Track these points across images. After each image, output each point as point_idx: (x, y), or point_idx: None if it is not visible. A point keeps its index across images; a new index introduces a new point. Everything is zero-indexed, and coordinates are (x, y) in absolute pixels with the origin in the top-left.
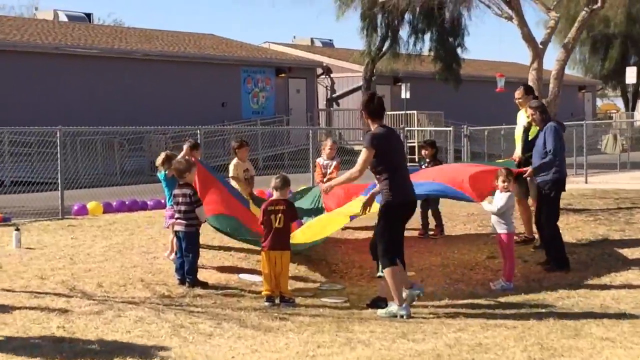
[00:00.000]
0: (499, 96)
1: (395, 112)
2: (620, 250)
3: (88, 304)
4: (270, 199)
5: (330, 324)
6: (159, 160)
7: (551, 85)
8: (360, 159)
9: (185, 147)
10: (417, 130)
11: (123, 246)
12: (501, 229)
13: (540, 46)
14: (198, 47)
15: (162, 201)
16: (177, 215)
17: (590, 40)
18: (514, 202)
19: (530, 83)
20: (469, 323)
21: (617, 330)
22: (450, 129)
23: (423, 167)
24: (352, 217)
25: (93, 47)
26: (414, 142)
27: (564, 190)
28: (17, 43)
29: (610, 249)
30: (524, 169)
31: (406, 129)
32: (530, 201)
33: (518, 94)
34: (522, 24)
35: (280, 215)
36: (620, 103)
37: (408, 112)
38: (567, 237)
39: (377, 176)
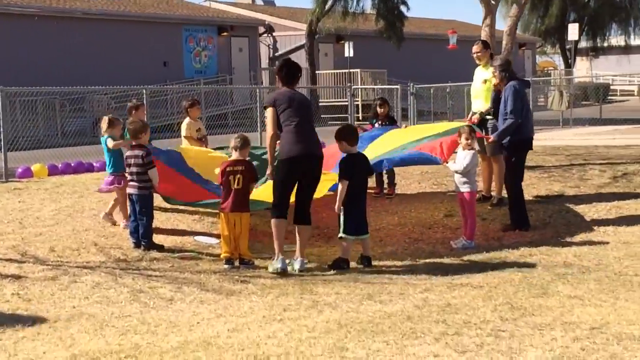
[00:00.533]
0: (442, 54)
1: (338, 71)
2: (577, 207)
3: (42, 270)
4: (230, 159)
5: (294, 286)
6: (103, 127)
7: (504, 42)
8: (267, 119)
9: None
10: (362, 88)
11: (73, 209)
12: (464, 188)
13: (493, 2)
14: (139, 6)
15: None
16: (129, 177)
17: None
18: (477, 160)
19: (483, 39)
20: (434, 283)
21: (584, 288)
22: (397, 87)
23: (376, 125)
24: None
25: (30, 5)
26: (358, 101)
27: (531, 148)
28: None
29: (567, 206)
30: (488, 136)
31: (352, 87)
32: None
33: (476, 48)
34: None
35: (239, 176)
36: (559, 61)
37: (352, 70)
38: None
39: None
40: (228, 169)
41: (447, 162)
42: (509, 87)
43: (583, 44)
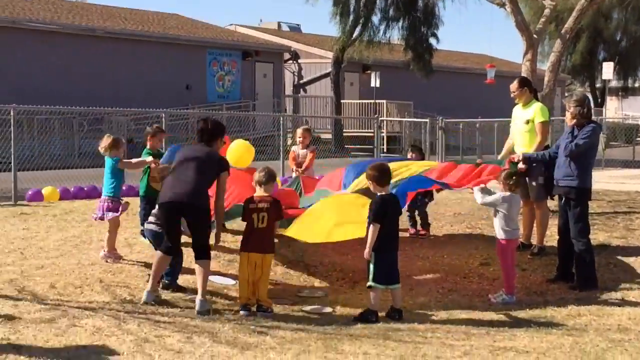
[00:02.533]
0: (470, 88)
1: (363, 101)
2: (626, 260)
3: (39, 310)
4: (254, 195)
5: (316, 342)
6: (104, 144)
7: (546, 78)
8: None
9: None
10: (388, 120)
11: (80, 239)
12: (500, 234)
13: (535, 36)
14: (163, 27)
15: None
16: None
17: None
18: (519, 204)
19: (523, 74)
20: (474, 345)
21: None
22: (427, 120)
23: None
24: None
25: (53, 22)
26: (383, 132)
27: (590, 199)
28: None
29: (615, 259)
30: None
31: (380, 119)
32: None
33: (513, 86)
34: (516, 12)
35: (264, 214)
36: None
37: (377, 101)
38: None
39: None
40: (251, 205)
41: (472, 189)
42: (591, 126)
43: (613, 83)
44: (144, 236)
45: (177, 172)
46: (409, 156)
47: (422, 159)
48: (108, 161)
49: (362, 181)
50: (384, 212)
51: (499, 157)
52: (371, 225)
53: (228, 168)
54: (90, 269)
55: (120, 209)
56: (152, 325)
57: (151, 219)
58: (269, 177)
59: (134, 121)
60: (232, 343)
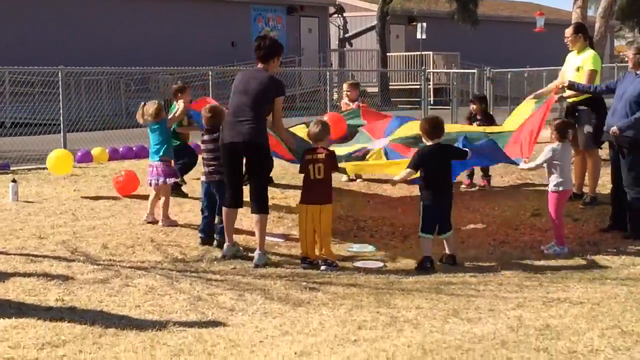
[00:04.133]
0: (517, 37)
1: (410, 53)
2: None
3: (92, 270)
4: (309, 147)
5: (369, 297)
6: (151, 112)
7: (597, 25)
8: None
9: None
10: (435, 72)
11: (130, 200)
12: (551, 186)
13: None
14: None
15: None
16: (207, 165)
17: None
18: (571, 153)
19: (574, 22)
20: (527, 297)
21: None
22: (474, 71)
23: (474, 124)
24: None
25: None
26: (430, 84)
27: None
28: None
29: None
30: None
31: (427, 71)
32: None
33: (569, 32)
34: None
35: (320, 164)
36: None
37: (423, 52)
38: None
39: None
40: (308, 157)
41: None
42: None
43: None
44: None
45: (233, 108)
46: (470, 108)
47: (486, 109)
48: (153, 126)
49: (404, 131)
50: (421, 161)
51: (544, 89)
52: (408, 170)
53: (284, 93)
54: (142, 228)
55: (175, 173)
56: (205, 283)
57: (205, 171)
58: (324, 129)
59: (181, 79)
60: (284, 300)
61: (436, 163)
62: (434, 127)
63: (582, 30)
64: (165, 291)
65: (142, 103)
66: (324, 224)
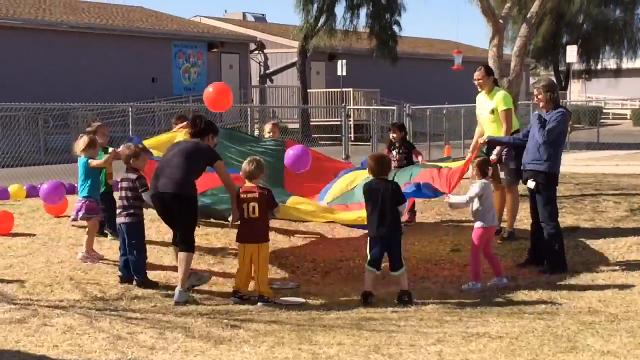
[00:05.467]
0: (436, 74)
1: (330, 90)
2: (595, 243)
3: (8, 310)
4: (243, 187)
5: (290, 334)
6: (80, 146)
7: (513, 63)
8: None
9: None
10: (356, 109)
11: (49, 237)
12: (484, 223)
13: (501, 22)
14: (127, 20)
15: None
16: (119, 204)
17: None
18: (492, 189)
19: (490, 61)
20: (447, 332)
21: (617, 342)
22: (394, 108)
23: (393, 152)
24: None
25: (16, 18)
26: (351, 121)
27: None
28: None
29: (583, 242)
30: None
31: (348, 107)
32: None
33: (478, 75)
34: None
35: (254, 204)
36: None
37: (344, 89)
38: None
39: None
40: (242, 196)
41: (449, 195)
42: (560, 112)
43: (576, 66)
44: (109, 233)
45: (162, 163)
46: (390, 136)
47: (405, 137)
48: (81, 161)
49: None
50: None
51: (471, 146)
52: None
53: (219, 157)
54: (60, 267)
55: (99, 210)
56: (125, 322)
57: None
58: (258, 169)
59: (100, 116)
60: (206, 337)
61: (374, 198)
62: (379, 164)
63: (492, 72)
64: (85, 330)
65: (81, 135)
66: (262, 262)
